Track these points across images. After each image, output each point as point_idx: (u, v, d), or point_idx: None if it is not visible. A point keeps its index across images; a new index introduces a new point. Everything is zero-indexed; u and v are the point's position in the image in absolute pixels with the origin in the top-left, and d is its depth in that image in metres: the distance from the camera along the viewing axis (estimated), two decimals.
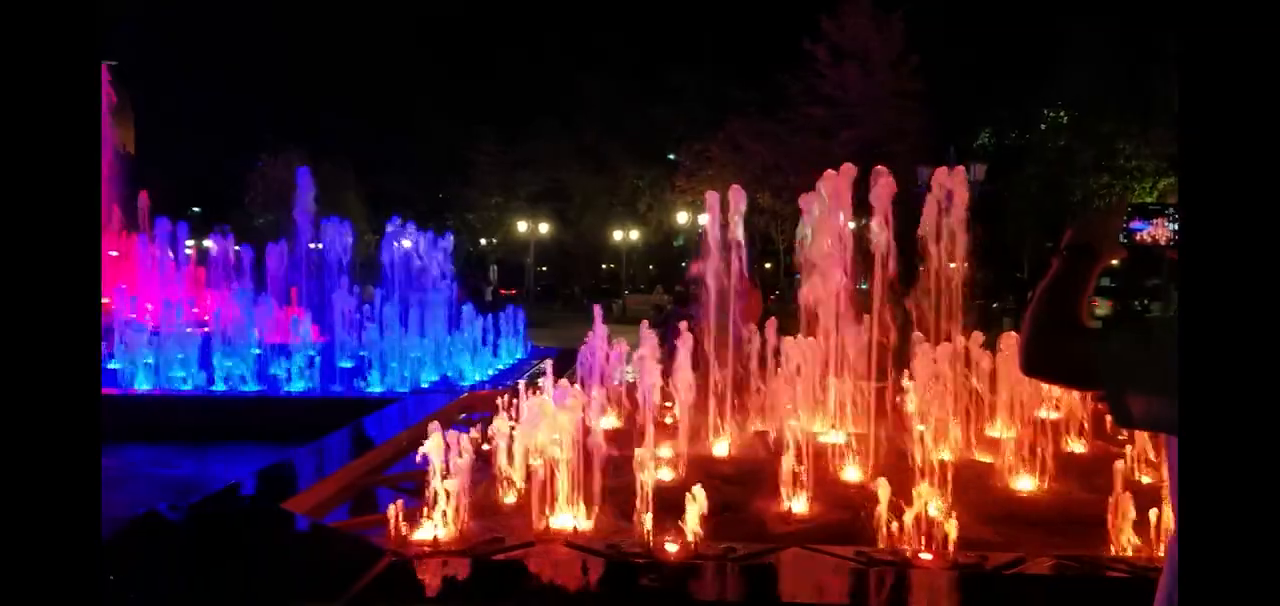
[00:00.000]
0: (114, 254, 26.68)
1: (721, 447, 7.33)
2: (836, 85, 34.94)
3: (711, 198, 8.48)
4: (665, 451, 6.63)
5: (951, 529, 4.51)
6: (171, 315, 15.25)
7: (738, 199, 8.05)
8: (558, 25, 49.88)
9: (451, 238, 20.81)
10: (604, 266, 57.25)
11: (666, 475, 6.23)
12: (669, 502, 4.78)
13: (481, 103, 49.54)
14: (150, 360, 13.80)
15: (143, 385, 13.43)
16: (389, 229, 20.30)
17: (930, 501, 4.90)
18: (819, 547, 4.69)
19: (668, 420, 7.59)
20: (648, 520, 4.69)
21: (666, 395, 7.67)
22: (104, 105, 29.11)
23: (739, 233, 8.02)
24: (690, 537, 4.58)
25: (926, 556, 4.52)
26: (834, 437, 7.12)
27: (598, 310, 8.95)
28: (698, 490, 4.65)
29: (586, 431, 5.40)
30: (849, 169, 7.76)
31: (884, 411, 7.44)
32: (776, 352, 7.91)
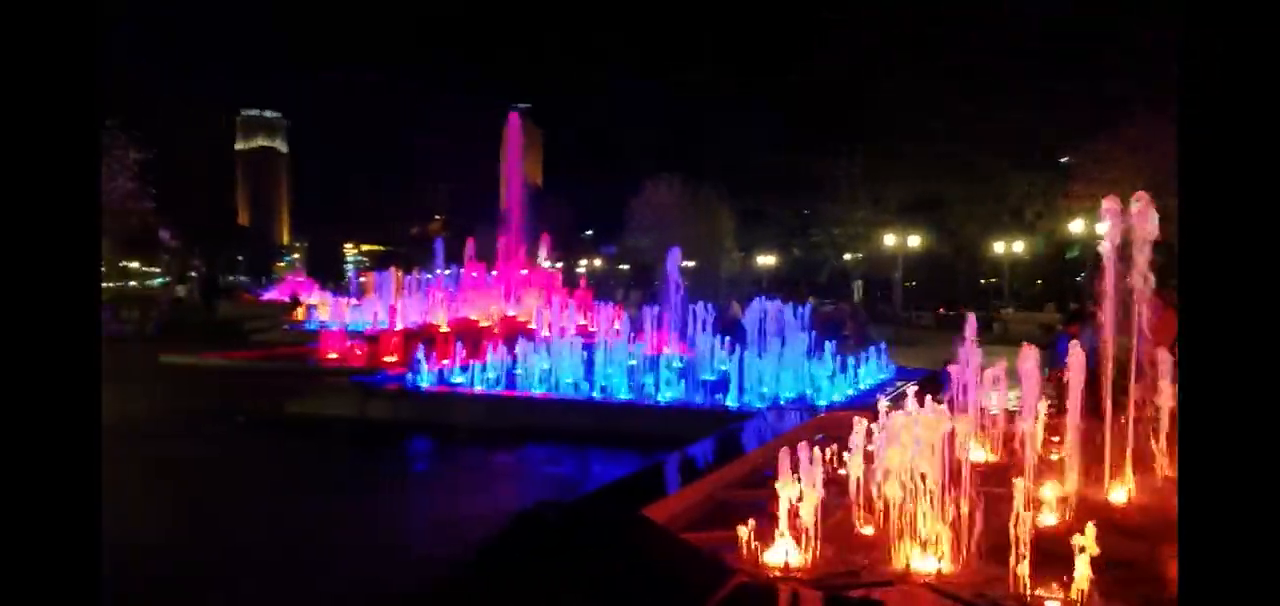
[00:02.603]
0: (523, 272, 30.69)
1: (1120, 493, 6.27)
2: None
3: (1111, 204, 7.26)
4: (1049, 492, 5.82)
5: None
6: (563, 328, 17.05)
7: (1146, 204, 6.82)
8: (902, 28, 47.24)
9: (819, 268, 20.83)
10: (983, 280, 53.05)
11: (1050, 519, 5.46)
12: (1051, 552, 4.18)
13: (847, 117, 48.65)
14: (545, 367, 15.49)
15: (537, 389, 15.11)
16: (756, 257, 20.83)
17: None
18: None
19: (1054, 456, 6.69)
20: (1025, 569, 4.10)
21: (1054, 428, 6.77)
22: (517, 144, 33.69)
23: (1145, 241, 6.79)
24: (1075, 595, 3.91)
25: None
26: None
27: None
28: (1087, 539, 3.96)
29: (957, 464, 4.90)
30: None
31: None
32: None
